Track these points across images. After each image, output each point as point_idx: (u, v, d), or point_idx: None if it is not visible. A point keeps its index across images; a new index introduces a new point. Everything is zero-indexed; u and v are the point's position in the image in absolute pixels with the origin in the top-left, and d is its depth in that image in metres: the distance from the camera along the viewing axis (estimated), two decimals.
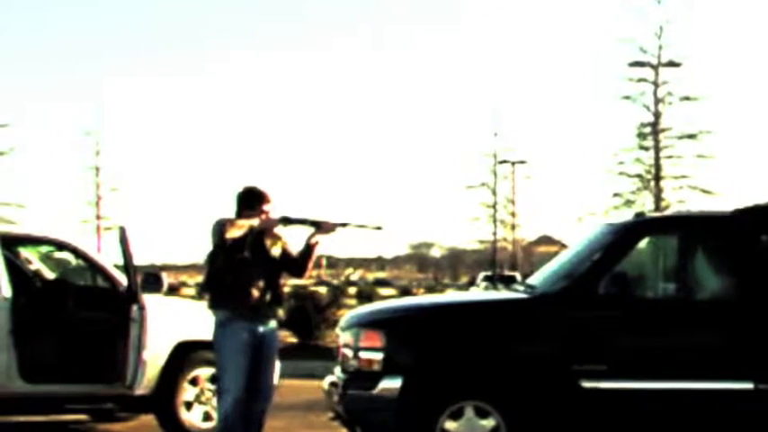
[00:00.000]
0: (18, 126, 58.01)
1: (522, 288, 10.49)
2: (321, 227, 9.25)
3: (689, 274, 10.15)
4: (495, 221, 66.79)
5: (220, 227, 8.87)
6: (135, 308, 11.33)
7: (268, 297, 9.16)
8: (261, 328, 9.11)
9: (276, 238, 9.27)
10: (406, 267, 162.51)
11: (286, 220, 9.15)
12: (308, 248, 9.30)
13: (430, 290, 69.54)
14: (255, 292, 9.05)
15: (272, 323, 9.26)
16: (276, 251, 9.26)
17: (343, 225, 9.33)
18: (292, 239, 9.41)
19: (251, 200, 9.19)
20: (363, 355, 9.35)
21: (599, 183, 50.61)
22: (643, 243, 10.27)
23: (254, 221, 9.00)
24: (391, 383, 9.13)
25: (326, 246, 9.57)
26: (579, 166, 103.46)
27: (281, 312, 9.63)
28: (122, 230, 11.41)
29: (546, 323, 9.39)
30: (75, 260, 12.60)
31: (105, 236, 58.78)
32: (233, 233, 8.86)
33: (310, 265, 9.41)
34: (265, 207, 9.13)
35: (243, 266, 8.99)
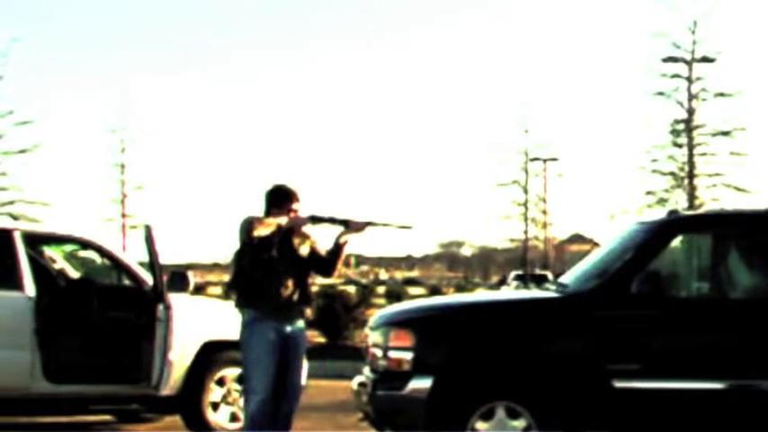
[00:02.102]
0: (42, 123, 58.04)
1: (553, 287, 10.41)
2: (350, 226, 9.17)
3: (723, 273, 10.02)
4: (526, 220, 66.51)
5: (248, 225, 8.82)
6: (161, 307, 11.27)
7: (296, 296, 9.10)
8: (288, 328, 9.04)
9: (304, 236, 9.21)
10: (435, 266, 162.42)
11: (314, 219, 9.07)
12: (337, 247, 9.24)
13: (460, 289, 69.39)
14: (283, 292, 8.99)
15: (300, 323, 9.21)
16: (304, 250, 9.20)
17: (373, 224, 9.26)
18: (321, 238, 9.34)
19: (279, 198, 9.14)
20: (393, 354, 9.27)
21: (631, 180, 50.08)
22: (676, 241, 10.15)
23: (282, 220, 8.94)
24: (421, 384, 9.04)
25: (355, 245, 9.47)
26: (611, 164, 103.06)
27: (308, 312, 9.53)
28: (148, 229, 11.36)
29: (578, 322, 9.30)
30: (99, 259, 12.57)
31: (130, 234, 58.73)
32: (260, 231, 8.80)
33: (339, 264, 9.35)
34: (294, 206, 9.09)
35: (270, 265, 8.93)
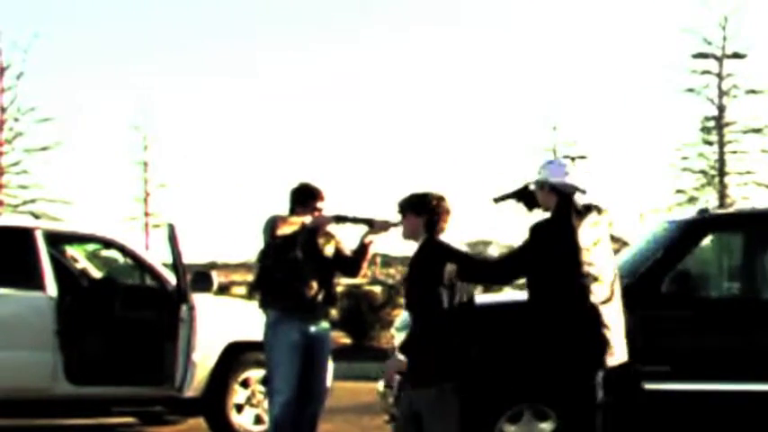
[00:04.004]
0: (64, 120, 58.07)
1: None
2: (374, 225, 9.07)
3: (754, 273, 9.92)
4: None
5: (271, 224, 8.78)
6: (184, 308, 11.22)
7: (320, 296, 9.02)
8: (313, 329, 8.96)
9: (329, 236, 9.14)
10: None
11: (339, 219, 8.98)
12: (362, 247, 9.17)
13: (487, 289, 69.30)
14: (307, 292, 8.91)
15: (325, 323, 9.14)
16: (329, 250, 9.14)
17: (398, 224, 9.14)
18: (346, 238, 9.24)
19: (304, 197, 9.07)
20: None
21: (661, 179, 49.88)
22: (707, 240, 10.08)
23: (307, 219, 8.86)
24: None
25: (381, 245, 9.37)
26: (641, 161, 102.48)
27: (333, 312, 9.42)
28: (171, 228, 11.30)
29: None
30: (122, 258, 12.57)
31: (153, 233, 58.62)
32: (284, 230, 8.73)
33: (364, 264, 9.29)
34: (318, 204, 9.02)
35: (294, 265, 8.85)
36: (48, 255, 11.06)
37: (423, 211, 7.49)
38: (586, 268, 7.33)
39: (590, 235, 7.43)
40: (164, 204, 60.13)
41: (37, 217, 40.29)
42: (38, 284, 10.87)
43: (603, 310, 7.42)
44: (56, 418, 11.37)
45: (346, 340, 24.07)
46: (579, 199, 7.54)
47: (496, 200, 7.93)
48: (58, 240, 11.92)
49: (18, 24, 75.53)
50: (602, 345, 7.44)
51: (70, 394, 10.90)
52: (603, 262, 7.51)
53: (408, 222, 7.60)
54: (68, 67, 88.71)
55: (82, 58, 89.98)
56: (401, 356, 7.42)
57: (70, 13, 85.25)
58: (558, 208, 7.46)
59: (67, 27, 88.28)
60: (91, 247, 12.91)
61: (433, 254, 7.42)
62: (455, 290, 7.37)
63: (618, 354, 7.53)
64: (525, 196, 7.77)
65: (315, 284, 8.94)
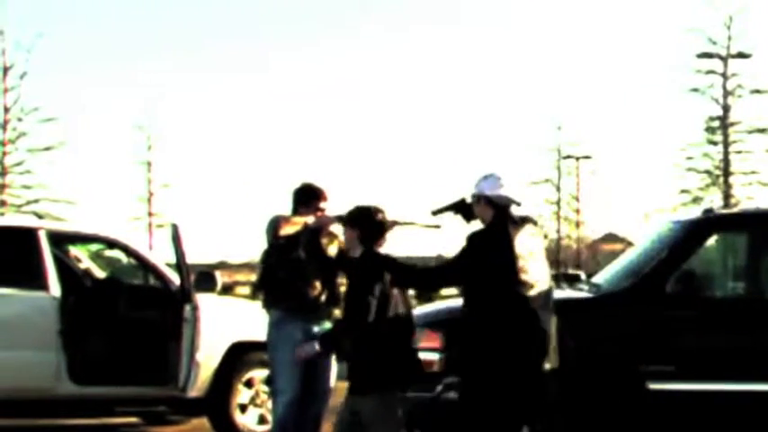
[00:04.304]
0: (67, 120, 58.18)
1: (586, 287, 10.33)
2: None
3: (759, 273, 9.88)
4: (558, 218, 66.33)
5: (274, 224, 8.76)
6: (188, 308, 11.19)
7: (323, 297, 9.01)
8: (316, 329, 8.92)
9: (332, 236, 9.14)
10: None
11: (342, 219, 8.93)
12: None
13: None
14: (310, 292, 8.91)
15: (328, 323, 9.08)
16: (332, 250, 9.15)
17: (398, 223, 9.13)
18: None
19: (307, 197, 9.06)
20: (423, 356, 9.07)
21: (666, 178, 50.21)
22: (711, 240, 10.07)
23: (310, 219, 8.85)
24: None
25: (383, 245, 9.35)
26: (646, 162, 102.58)
27: (337, 312, 9.41)
28: (175, 228, 11.27)
29: (611, 323, 9.18)
30: (126, 258, 12.54)
31: (157, 233, 58.73)
32: (286, 230, 8.73)
33: None
34: (321, 205, 9.02)
35: (297, 265, 8.85)
36: (51, 255, 11.03)
37: (356, 225, 7.77)
38: (523, 276, 7.44)
39: (525, 245, 7.56)
40: (167, 204, 60.24)
41: (40, 217, 40.11)
42: (41, 284, 10.84)
43: (541, 317, 7.50)
44: (59, 418, 11.33)
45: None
46: (515, 211, 7.71)
47: (434, 212, 8.12)
48: (61, 240, 11.89)
49: (21, 24, 75.46)
50: (541, 350, 7.48)
51: (73, 394, 10.87)
52: (539, 271, 7.62)
53: (346, 234, 7.93)
54: (72, 67, 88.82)
55: (85, 57, 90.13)
56: (316, 344, 7.94)
57: (74, 12, 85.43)
58: (494, 219, 7.63)
59: (71, 27, 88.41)
60: (94, 247, 12.88)
61: (366, 265, 7.63)
62: (389, 301, 7.54)
63: (554, 360, 7.57)
64: (463, 208, 7.94)
65: (318, 284, 8.93)
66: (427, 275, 8.05)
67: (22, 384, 10.65)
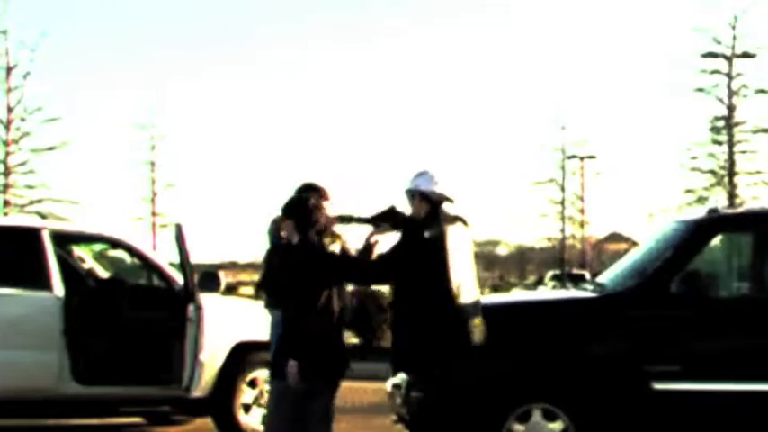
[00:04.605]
0: (71, 120, 58.12)
1: (591, 287, 10.30)
2: (380, 225, 9.01)
3: (764, 272, 9.86)
4: (563, 218, 66.15)
5: (276, 224, 8.68)
6: (192, 308, 11.19)
7: None
8: None
9: (335, 236, 9.04)
10: None
11: (344, 219, 8.91)
12: (368, 247, 9.08)
13: (496, 289, 68.98)
14: None
15: None
16: (335, 249, 9.03)
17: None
18: (351, 238, 9.21)
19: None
20: None
21: (670, 178, 50.18)
22: (716, 240, 10.03)
23: None
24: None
25: (387, 244, 9.33)
26: (650, 161, 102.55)
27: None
28: (178, 228, 11.27)
29: (616, 323, 9.16)
30: (129, 258, 12.52)
31: (161, 233, 58.75)
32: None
33: None
34: (323, 204, 8.92)
35: None
36: (55, 255, 11.03)
37: (290, 214, 8.04)
38: (453, 271, 7.93)
39: (456, 241, 8.01)
40: (171, 204, 60.15)
41: (44, 217, 40.29)
42: (45, 284, 10.85)
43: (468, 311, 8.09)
44: (63, 418, 11.33)
45: (354, 340, 24.01)
46: (448, 208, 8.12)
47: (365, 220, 8.55)
48: (65, 240, 11.88)
49: (25, 24, 75.44)
50: (466, 338, 8.11)
51: (77, 394, 10.87)
52: (466, 267, 8.10)
53: (285, 225, 8.16)
54: (75, 67, 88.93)
55: (89, 57, 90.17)
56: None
57: (77, 12, 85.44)
58: (428, 215, 8.04)
59: (75, 26, 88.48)
60: (98, 247, 12.88)
61: (302, 256, 7.89)
62: (331, 292, 7.86)
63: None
64: (392, 217, 8.39)
65: None
66: (365, 268, 8.35)
67: (25, 384, 10.65)
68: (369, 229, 9.10)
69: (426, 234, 7.97)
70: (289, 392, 7.79)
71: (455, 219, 8.13)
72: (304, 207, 8.02)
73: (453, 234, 8.04)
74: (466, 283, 8.13)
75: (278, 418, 7.96)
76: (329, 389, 7.95)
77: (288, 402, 7.85)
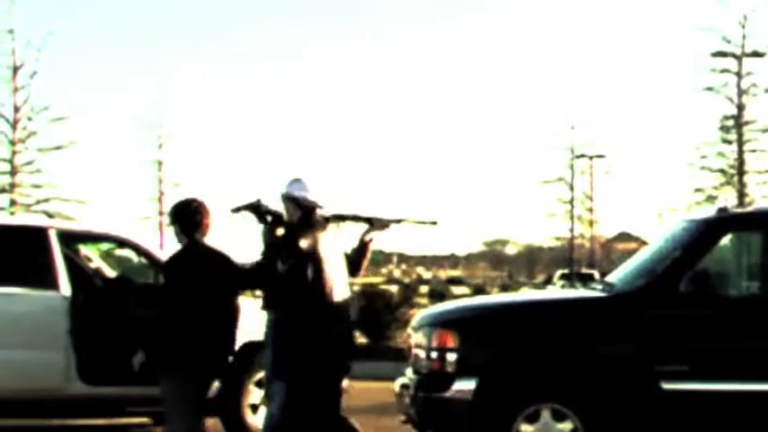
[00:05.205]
0: (78, 119, 58.07)
1: (600, 286, 10.29)
2: (375, 223, 9.06)
3: None
4: (572, 217, 66.23)
5: (272, 225, 8.71)
6: None
7: None
8: None
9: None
10: (479, 265, 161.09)
11: (339, 217, 8.92)
12: (363, 246, 9.13)
13: (504, 288, 69.10)
14: None
15: None
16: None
17: (398, 221, 9.18)
18: (347, 237, 9.24)
19: None
20: (436, 355, 9.22)
21: (680, 177, 50.08)
22: (726, 239, 10.03)
23: None
24: (465, 385, 8.98)
25: (389, 244, 9.36)
26: (659, 161, 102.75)
27: None
28: None
29: (625, 323, 9.17)
30: (136, 257, 12.47)
31: (168, 232, 58.82)
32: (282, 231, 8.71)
33: (365, 263, 9.25)
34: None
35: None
36: (61, 254, 11.03)
37: (174, 220, 8.47)
38: (325, 272, 8.31)
39: (327, 244, 8.41)
40: None
41: (51, 216, 40.36)
42: (51, 284, 10.85)
43: (342, 311, 8.52)
44: (69, 418, 11.31)
45: (362, 340, 24.01)
46: (319, 213, 8.55)
47: (233, 210, 8.98)
48: (71, 239, 11.85)
49: (32, 23, 75.67)
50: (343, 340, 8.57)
51: (84, 394, 10.85)
52: (337, 268, 8.51)
53: (173, 229, 8.51)
54: (82, 66, 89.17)
55: (96, 56, 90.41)
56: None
57: (84, 12, 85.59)
58: (301, 219, 8.47)
59: (81, 25, 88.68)
60: (105, 246, 12.87)
61: (184, 259, 8.33)
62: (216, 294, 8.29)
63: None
64: (256, 209, 8.86)
65: None
66: (246, 273, 8.71)
67: (31, 384, 10.65)
68: (363, 227, 9.15)
69: (302, 245, 8.30)
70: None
71: (326, 221, 8.56)
72: (187, 211, 8.38)
73: (325, 239, 8.42)
74: (337, 283, 8.45)
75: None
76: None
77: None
